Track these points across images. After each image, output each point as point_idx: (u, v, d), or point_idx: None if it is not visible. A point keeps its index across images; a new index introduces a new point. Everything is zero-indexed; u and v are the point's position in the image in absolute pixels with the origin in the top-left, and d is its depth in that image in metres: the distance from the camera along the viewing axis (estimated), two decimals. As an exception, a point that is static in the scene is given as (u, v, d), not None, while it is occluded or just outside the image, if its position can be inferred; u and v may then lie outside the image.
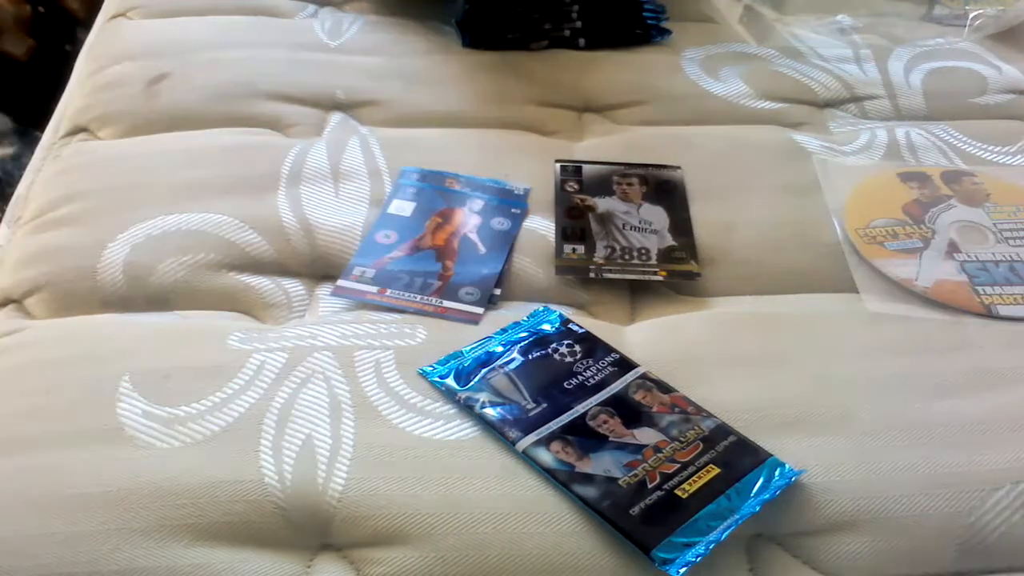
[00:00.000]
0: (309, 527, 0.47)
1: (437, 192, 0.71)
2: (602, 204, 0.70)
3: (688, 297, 0.64)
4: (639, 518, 0.46)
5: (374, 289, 0.62)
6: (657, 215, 0.69)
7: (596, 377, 0.55)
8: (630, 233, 0.67)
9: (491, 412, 0.52)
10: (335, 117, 0.80)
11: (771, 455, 0.49)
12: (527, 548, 0.46)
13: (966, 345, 0.59)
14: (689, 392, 0.53)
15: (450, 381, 0.54)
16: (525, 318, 0.60)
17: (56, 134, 0.79)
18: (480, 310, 0.61)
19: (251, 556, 0.45)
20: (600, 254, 0.65)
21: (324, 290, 0.63)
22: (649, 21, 0.94)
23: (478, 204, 0.70)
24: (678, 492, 0.47)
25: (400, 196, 0.70)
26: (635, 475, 0.48)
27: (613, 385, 0.54)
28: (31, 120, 1.42)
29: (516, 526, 0.46)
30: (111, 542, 0.45)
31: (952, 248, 0.67)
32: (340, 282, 0.62)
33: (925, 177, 0.75)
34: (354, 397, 0.53)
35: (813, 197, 0.72)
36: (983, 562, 0.47)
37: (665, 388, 0.54)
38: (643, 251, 0.65)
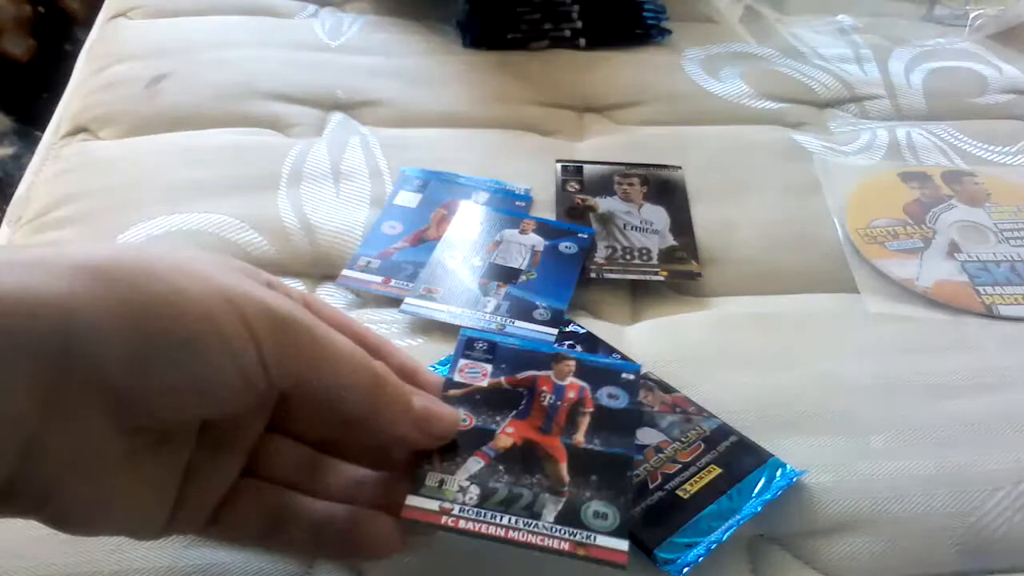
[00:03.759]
0: (310, 527, 0.47)
1: (443, 184, 0.71)
2: (603, 204, 0.70)
3: (689, 297, 0.64)
4: (641, 519, 0.45)
5: (379, 279, 0.62)
6: (658, 215, 0.69)
7: (597, 377, 0.54)
8: (631, 233, 0.67)
9: (492, 412, 0.52)
10: (335, 117, 0.80)
11: (772, 455, 0.49)
12: (528, 548, 0.46)
13: (967, 345, 0.59)
14: (690, 392, 0.53)
15: (451, 381, 0.54)
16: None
17: (56, 134, 0.79)
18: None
19: (252, 556, 0.45)
20: (601, 254, 0.65)
21: (325, 290, 0.63)
22: (649, 21, 0.94)
23: (483, 197, 0.70)
24: (679, 492, 0.47)
25: (406, 187, 0.70)
26: (637, 475, 0.48)
27: (614, 385, 0.54)
28: (31, 120, 1.43)
29: (517, 526, 0.46)
30: (111, 542, 0.45)
31: (953, 248, 0.67)
32: (345, 272, 0.62)
33: (926, 177, 0.75)
34: (355, 397, 0.53)
35: (813, 197, 0.72)
36: (984, 562, 0.47)
37: (666, 388, 0.54)
38: (644, 251, 0.65)
